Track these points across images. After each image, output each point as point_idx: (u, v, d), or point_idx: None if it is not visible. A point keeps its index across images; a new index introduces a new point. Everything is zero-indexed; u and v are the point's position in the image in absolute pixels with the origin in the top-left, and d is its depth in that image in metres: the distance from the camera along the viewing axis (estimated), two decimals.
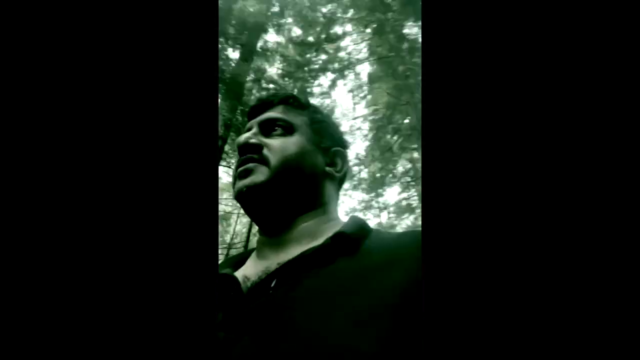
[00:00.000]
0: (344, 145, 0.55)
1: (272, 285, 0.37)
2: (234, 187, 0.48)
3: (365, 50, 7.09)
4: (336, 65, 7.29)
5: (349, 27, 7.38)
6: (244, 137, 0.48)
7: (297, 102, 0.53)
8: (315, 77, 7.05)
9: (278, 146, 0.47)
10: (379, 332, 0.27)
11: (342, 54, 7.31)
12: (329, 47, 7.14)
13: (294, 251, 0.42)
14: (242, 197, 0.45)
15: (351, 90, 7.29)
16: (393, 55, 5.83)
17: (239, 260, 0.50)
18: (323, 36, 7.13)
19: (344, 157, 0.53)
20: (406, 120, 6.12)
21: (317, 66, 7.06)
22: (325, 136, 0.52)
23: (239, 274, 0.43)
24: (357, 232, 0.41)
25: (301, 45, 7.13)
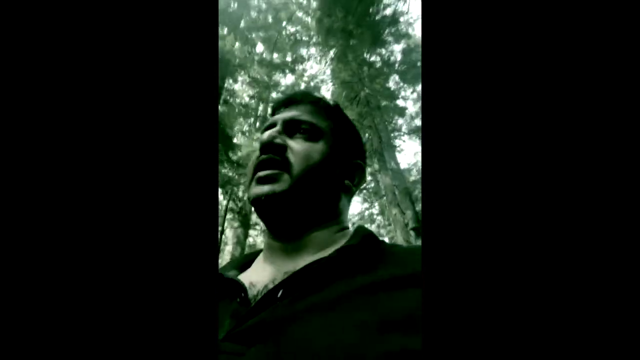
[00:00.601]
0: (364, 158, 0.55)
1: (279, 295, 0.36)
2: (249, 189, 0.46)
3: (328, 72, 7.57)
4: (302, 85, 7.69)
5: (313, 50, 7.83)
6: (267, 134, 0.46)
7: (326, 105, 0.53)
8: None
9: (302, 152, 0.45)
10: (388, 347, 0.27)
11: (306, 77, 7.74)
12: (295, 68, 7.52)
13: (302, 261, 0.42)
14: (260, 204, 0.44)
15: None
16: (355, 81, 6.34)
17: (245, 263, 0.50)
18: (289, 58, 7.51)
19: (362, 171, 0.53)
20: (368, 136, 6.65)
21: (283, 87, 7.42)
22: (348, 147, 0.51)
23: (246, 278, 0.43)
24: (365, 245, 0.41)
25: (268, 66, 7.44)
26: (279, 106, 0.53)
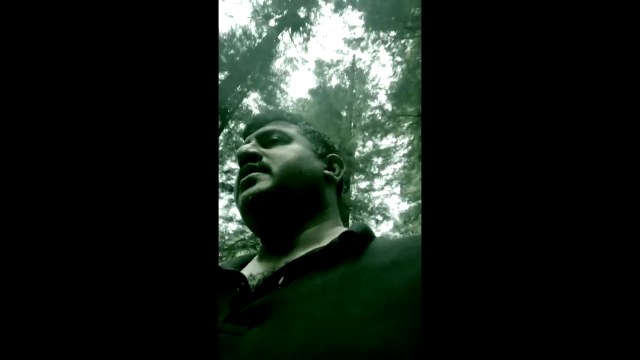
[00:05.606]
0: (338, 152, 0.58)
1: (280, 282, 0.37)
2: (237, 199, 0.48)
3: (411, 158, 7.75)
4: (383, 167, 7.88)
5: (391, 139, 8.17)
6: (244, 147, 0.49)
7: (290, 116, 0.57)
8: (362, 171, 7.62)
9: (277, 153, 0.48)
10: (392, 323, 0.28)
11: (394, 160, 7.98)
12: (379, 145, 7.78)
13: (300, 253, 0.42)
14: (249, 206, 0.45)
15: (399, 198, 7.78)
16: None
17: (242, 264, 0.50)
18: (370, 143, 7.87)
19: (340, 163, 0.55)
20: None
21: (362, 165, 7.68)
22: (320, 144, 0.55)
23: (244, 271, 0.44)
24: (364, 234, 0.41)
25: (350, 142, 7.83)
26: (249, 130, 0.56)
